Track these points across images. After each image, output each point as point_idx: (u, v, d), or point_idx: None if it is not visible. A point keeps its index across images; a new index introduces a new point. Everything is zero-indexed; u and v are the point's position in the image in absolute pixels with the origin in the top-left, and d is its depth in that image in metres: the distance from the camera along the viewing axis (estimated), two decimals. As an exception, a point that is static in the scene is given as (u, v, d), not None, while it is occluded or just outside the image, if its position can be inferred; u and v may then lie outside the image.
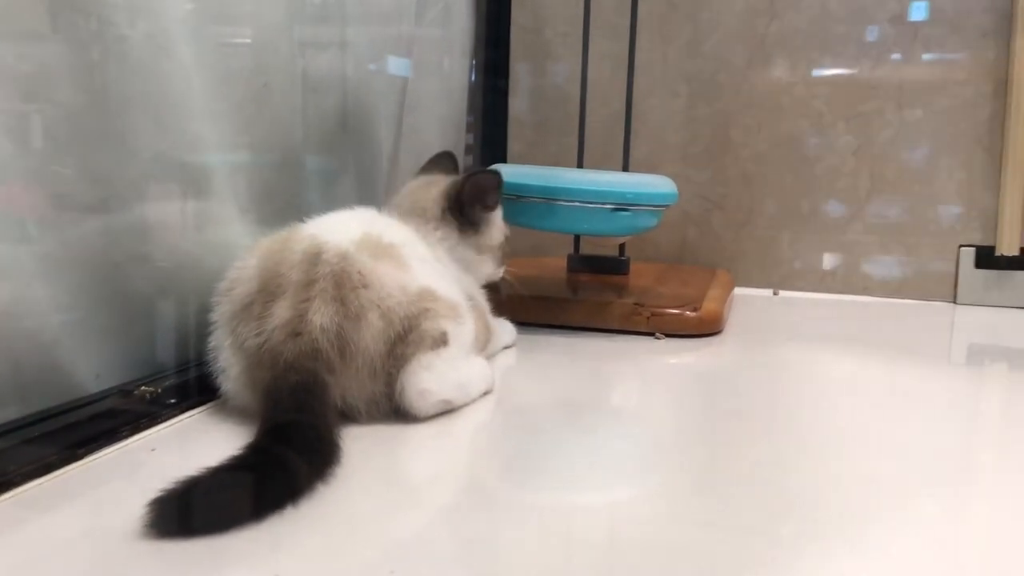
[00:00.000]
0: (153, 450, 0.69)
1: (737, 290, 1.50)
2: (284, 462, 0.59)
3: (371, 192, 1.20)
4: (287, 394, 0.68)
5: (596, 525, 0.59)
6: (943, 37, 1.44)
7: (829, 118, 1.50)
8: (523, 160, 1.63)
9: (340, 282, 0.74)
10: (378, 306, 0.75)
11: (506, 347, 1.05)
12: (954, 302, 1.47)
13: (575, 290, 1.32)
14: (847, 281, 1.51)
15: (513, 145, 1.65)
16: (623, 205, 1.10)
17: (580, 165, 1.38)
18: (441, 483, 0.68)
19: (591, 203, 1.10)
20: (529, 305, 1.19)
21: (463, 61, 1.54)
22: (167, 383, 0.76)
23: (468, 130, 1.60)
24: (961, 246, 1.46)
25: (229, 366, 0.75)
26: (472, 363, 0.84)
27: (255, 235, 0.88)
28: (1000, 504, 0.64)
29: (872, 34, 1.47)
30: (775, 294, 1.53)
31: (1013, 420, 0.87)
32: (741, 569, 0.53)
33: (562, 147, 1.54)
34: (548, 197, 1.10)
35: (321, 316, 0.72)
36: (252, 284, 0.76)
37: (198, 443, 0.71)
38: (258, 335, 0.73)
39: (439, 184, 1.01)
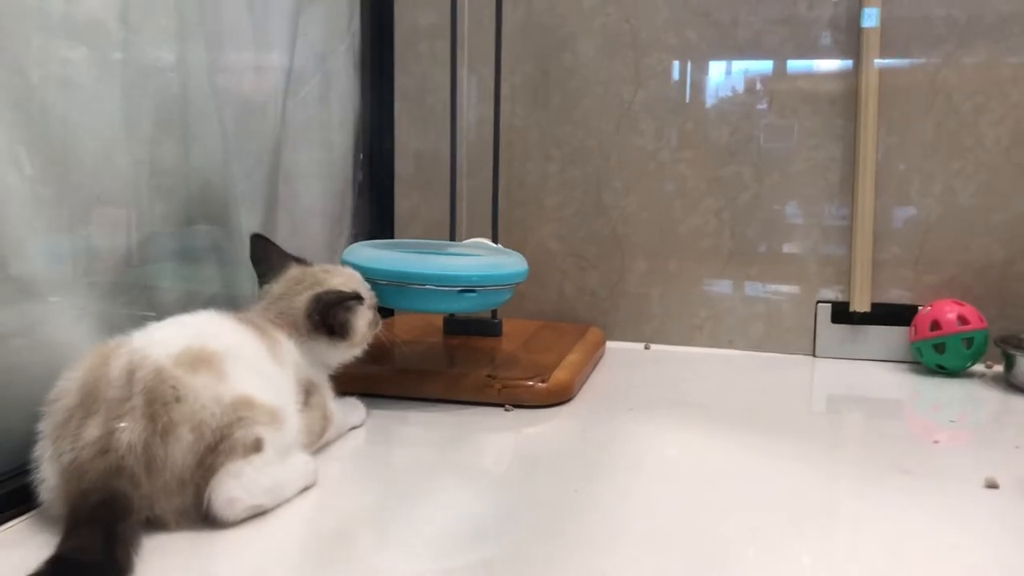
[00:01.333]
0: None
1: (611, 344, 1.58)
2: None
3: (237, 279, 1.24)
4: (87, 511, 0.72)
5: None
6: (795, 104, 1.52)
7: (692, 182, 1.57)
8: (410, 222, 1.70)
9: (152, 398, 0.78)
10: (189, 420, 0.79)
11: (354, 427, 1.11)
12: (813, 355, 1.55)
13: (446, 358, 1.38)
14: (713, 335, 1.59)
15: (401, 204, 1.71)
16: (469, 287, 1.17)
17: (452, 235, 1.45)
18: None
19: (439, 287, 1.16)
20: (394, 378, 1.25)
21: (344, 128, 1.59)
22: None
23: (359, 193, 1.65)
24: (819, 302, 1.55)
25: (47, 477, 0.79)
26: (289, 463, 0.89)
27: (97, 336, 0.93)
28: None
29: (731, 103, 1.55)
30: (647, 348, 1.60)
31: (866, 474, 0.94)
32: None
33: (444, 212, 1.60)
34: (400, 281, 1.16)
35: (130, 433, 0.76)
36: (73, 398, 0.80)
37: (10, 557, 0.75)
38: (72, 450, 0.77)
39: (300, 294, 1.05)
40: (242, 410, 0.82)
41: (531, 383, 1.21)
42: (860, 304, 1.51)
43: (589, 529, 0.84)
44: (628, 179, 1.60)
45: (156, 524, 0.78)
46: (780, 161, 1.54)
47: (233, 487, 0.80)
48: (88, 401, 0.79)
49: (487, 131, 1.58)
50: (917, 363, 1.47)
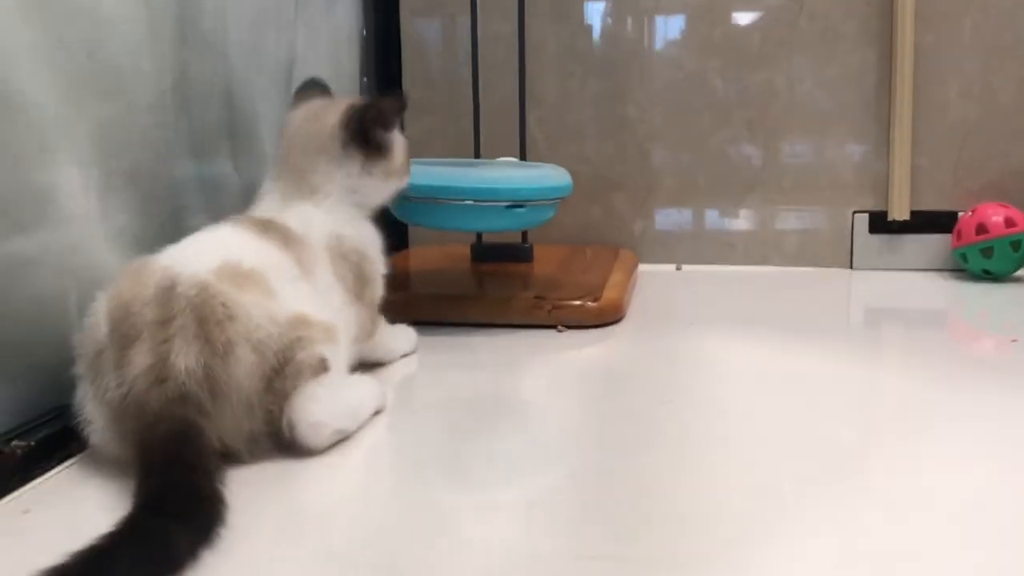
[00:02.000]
0: (27, 512, 0.66)
1: (642, 266, 1.51)
2: (161, 536, 0.55)
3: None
4: (159, 446, 0.64)
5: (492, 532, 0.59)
6: (828, 8, 1.46)
7: (722, 92, 1.50)
8: (423, 147, 1.61)
9: (202, 317, 0.70)
10: (248, 339, 0.71)
11: (405, 355, 1.04)
12: (850, 267, 1.51)
13: (479, 283, 1.31)
14: (747, 252, 1.54)
15: (412, 132, 1.61)
16: (518, 202, 1.09)
17: (477, 154, 1.37)
18: (338, 519, 0.66)
19: (486, 201, 1.09)
20: (430, 304, 1.18)
21: (352, 43, 1.49)
22: (40, 434, 0.73)
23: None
24: (855, 212, 1.50)
25: (94, 419, 0.71)
26: (360, 384, 0.83)
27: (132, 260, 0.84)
28: (896, 503, 0.66)
29: (762, 5, 1.48)
30: (678, 269, 1.54)
31: (910, 401, 0.90)
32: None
33: (460, 133, 1.51)
34: (442, 197, 1.09)
35: (185, 358, 0.68)
36: (102, 329, 0.71)
37: (74, 501, 0.68)
38: (119, 386, 0.68)
39: (329, 114, 0.93)
40: (300, 329, 0.74)
41: (583, 303, 1.15)
42: (899, 212, 1.46)
43: (693, 438, 0.78)
44: (653, 91, 1.52)
45: (226, 456, 0.71)
46: (813, 67, 1.47)
47: (315, 411, 0.73)
48: (124, 327, 0.70)
49: (500, 48, 1.49)
50: (960, 270, 1.43)
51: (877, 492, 0.67)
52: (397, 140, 0.96)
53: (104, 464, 0.71)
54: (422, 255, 1.48)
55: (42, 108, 0.76)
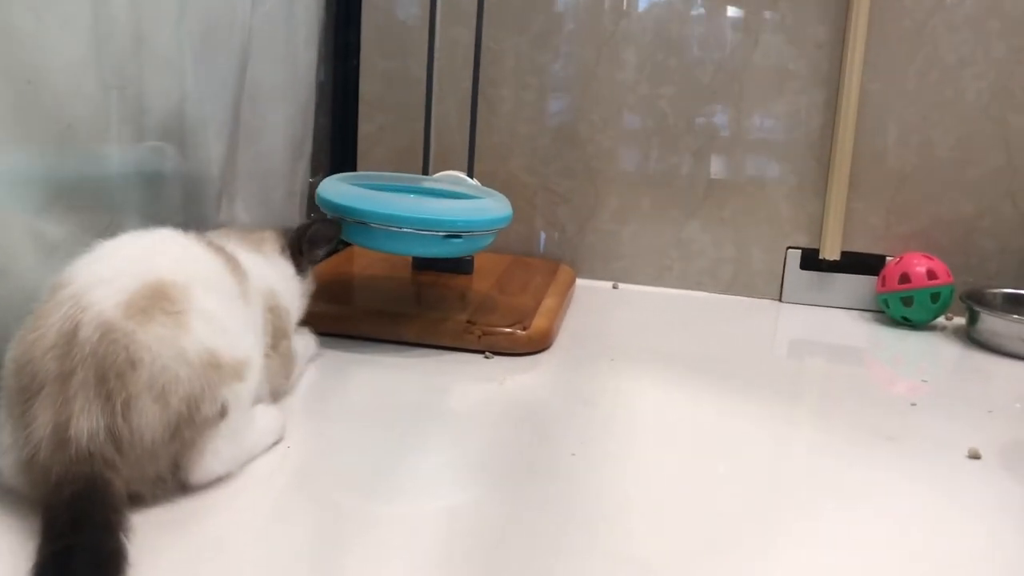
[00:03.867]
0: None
1: (580, 282, 1.55)
2: None
3: (201, 202, 1.17)
4: (64, 510, 0.64)
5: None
6: (780, 46, 1.48)
7: (672, 119, 1.53)
8: (374, 145, 1.62)
9: (102, 371, 0.68)
10: (150, 389, 0.70)
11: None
12: (780, 300, 1.56)
13: (417, 298, 1.34)
14: (683, 276, 1.58)
15: (364, 127, 1.62)
16: (455, 233, 1.12)
17: (425, 169, 1.38)
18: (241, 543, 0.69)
19: (423, 231, 1.11)
20: (365, 319, 1.20)
21: (309, 45, 1.49)
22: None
23: (317, 113, 1.56)
24: (788, 247, 1.54)
25: (6, 452, 0.70)
26: (258, 423, 0.84)
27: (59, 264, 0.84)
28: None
29: (717, 40, 1.50)
30: (615, 287, 1.58)
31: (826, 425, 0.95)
32: None
33: (413, 133, 1.53)
34: (380, 223, 1.11)
35: (87, 419, 0.67)
36: (12, 378, 0.70)
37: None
38: (25, 446, 0.67)
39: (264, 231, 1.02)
40: (209, 372, 0.74)
41: (512, 330, 1.18)
42: (830, 252, 1.51)
43: (591, 500, 0.82)
44: (606, 112, 1.55)
45: (131, 499, 0.72)
46: (761, 103, 1.50)
47: (213, 464, 0.76)
48: (27, 378, 0.69)
49: (459, 53, 1.50)
50: (881, 312, 1.49)
51: (768, 567, 0.72)
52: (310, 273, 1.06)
53: (7, 505, 0.72)
54: (364, 257, 1.50)
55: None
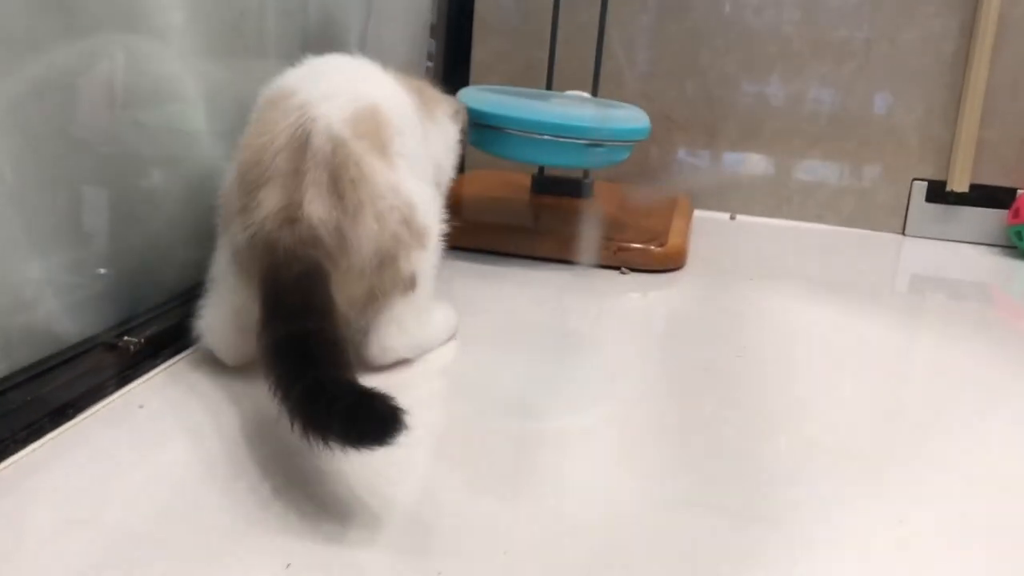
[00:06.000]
0: (141, 407, 0.68)
1: (696, 212, 1.52)
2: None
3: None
4: (291, 285, 0.64)
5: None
6: (917, -32, 1.43)
7: (797, 44, 1.49)
8: (488, 71, 1.60)
9: (336, 173, 0.69)
10: (372, 206, 0.70)
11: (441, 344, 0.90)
12: (902, 233, 1.52)
13: (540, 216, 1.32)
14: (802, 208, 1.54)
15: (478, 53, 1.60)
16: (598, 141, 1.10)
17: (549, 85, 1.36)
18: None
19: (566, 138, 1.09)
20: (493, 233, 1.19)
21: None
22: (149, 331, 0.75)
23: (431, 35, 1.55)
24: (914, 179, 1.50)
25: (219, 262, 0.72)
26: (437, 315, 0.84)
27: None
28: (975, 476, 0.68)
29: (847, -40, 1.45)
30: (732, 218, 1.55)
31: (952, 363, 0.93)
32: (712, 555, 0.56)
33: (529, 60, 1.50)
34: (520, 129, 1.09)
35: (319, 206, 0.67)
36: (236, 177, 0.71)
37: (183, 396, 0.71)
38: (247, 227, 0.68)
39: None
40: (406, 224, 0.73)
41: (649, 247, 1.16)
42: (958, 184, 1.47)
43: (771, 395, 0.81)
44: (729, 37, 1.51)
45: None
46: (893, 28, 1.45)
47: (392, 335, 0.75)
48: (254, 174, 0.69)
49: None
50: (1012, 247, 1.44)
51: (953, 464, 0.70)
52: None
53: (206, 362, 0.74)
54: (478, 181, 1.48)
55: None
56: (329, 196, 0.68)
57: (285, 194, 0.68)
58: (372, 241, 0.70)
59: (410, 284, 0.75)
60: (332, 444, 0.54)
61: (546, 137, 1.09)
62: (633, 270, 1.16)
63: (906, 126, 1.49)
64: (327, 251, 0.67)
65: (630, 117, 1.15)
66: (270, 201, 0.68)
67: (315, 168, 0.68)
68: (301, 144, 0.69)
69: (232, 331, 0.72)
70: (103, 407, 0.67)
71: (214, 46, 0.86)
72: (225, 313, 0.73)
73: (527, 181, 1.42)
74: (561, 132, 1.09)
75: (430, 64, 1.56)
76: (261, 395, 0.60)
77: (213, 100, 0.85)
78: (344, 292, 0.69)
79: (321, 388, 0.56)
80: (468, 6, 1.58)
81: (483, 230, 1.19)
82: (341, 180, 0.69)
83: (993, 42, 1.41)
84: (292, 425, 0.56)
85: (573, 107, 1.14)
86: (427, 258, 0.77)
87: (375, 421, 0.53)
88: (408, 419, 0.53)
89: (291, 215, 0.67)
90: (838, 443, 0.72)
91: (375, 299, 0.74)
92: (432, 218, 0.79)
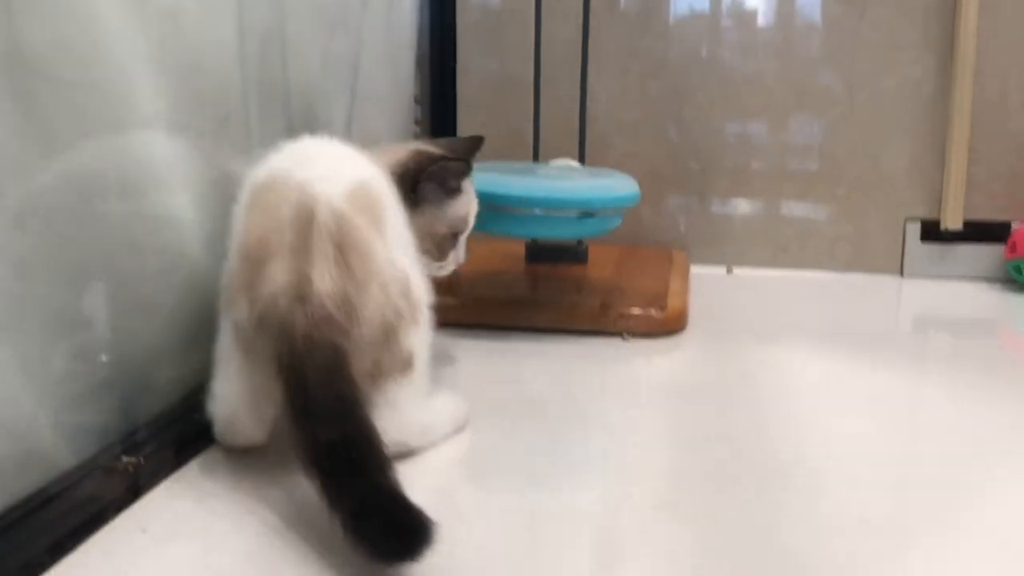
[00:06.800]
0: (144, 531, 0.67)
1: (693, 268, 1.52)
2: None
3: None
4: (318, 380, 0.64)
5: None
6: (890, 15, 1.45)
7: (780, 95, 1.50)
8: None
9: (342, 245, 0.69)
10: (378, 277, 0.71)
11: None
12: (900, 275, 1.51)
13: (537, 287, 1.31)
14: (799, 257, 1.54)
15: (463, 126, 1.61)
16: (590, 212, 1.10)
17: (535, 157, 1.37)
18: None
19: (556, 211, 1.09)
20: (492, 308, 1.18)
21: (409, 43, 1.49)
22: (148, 448, 0.74)
23: (416, 114, 1.56)
24: (907, 220, 1.50)
25: (224, 343, 0.72)
26: (440, 404, 0.82)
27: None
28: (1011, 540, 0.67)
29: (817, 13, 1.47)
30: (729, 272, 1.54)
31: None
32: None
33: (512, 132, 1.51)
34: (510, 206, 1.09)
35: (329, 280, 0.67)
36: (238, 255, 0.71)
37: (192, 509, 0.69)
38: (253, 305, 0.68)
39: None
40: (405, 295, 0.73)
41: (650, 312, 1.15)
42: (952, 221, 1.46)
43: (784, 465, 0.79)
44: (711, 92, 1.52)
45: None
46: (873, 75, 1.47)
47: (386, 417, 0.71)
48: (260, 251, 0.69)
49: (553, 47, 1.48)
50: (1011, 281, 1.43)
51: (987, 528, 0.68)
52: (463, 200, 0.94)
53: (213, 467, 0.73)
54: (474, 254, 1.47)
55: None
56: (337, 268, 0.69)
57: (294, 267, 0.68)
58: (379, 311, 0.71)
59: (408, 363, 0.74)
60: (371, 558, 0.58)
61: (537, 212, 1.09)
62: (634, 336, 1.15)
63: (895, 168, 1.49)
64: (340, 327, 0.67)
65: (619, 185, 1.15)
66: (279, 275, 0.68)
67: (322, 241, 0.69)
68: (307, 219, 0.70)
69: (242, 414, 0.73)
70: (104, 534, 0.65)
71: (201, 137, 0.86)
72: (234, 395, 0.73)
73: (521, 250, 1.42)
74: (552, 206, 1.09)
75: (418, 130, 1.57)
76: (272, 497, 0.59)
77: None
78: (355, 365, 0.69)
79: (365, 504, 0.59)
80: (451, 81, 1.60)
81: (481, 305, 1.18)
82: (348, 252, 0.70)
83: (972, 79, 1.42)
84: (344, 534, 0.59)
85: (562, 179, 1.14)
86: (421, 335, 0.76)
87: (407, 540, 0.57)
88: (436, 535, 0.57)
89: (301, 292, 0.67)
90: (860, 514, 0.70)
91: (377, 376, 0.73)
92: (423, 293, 0.78)
